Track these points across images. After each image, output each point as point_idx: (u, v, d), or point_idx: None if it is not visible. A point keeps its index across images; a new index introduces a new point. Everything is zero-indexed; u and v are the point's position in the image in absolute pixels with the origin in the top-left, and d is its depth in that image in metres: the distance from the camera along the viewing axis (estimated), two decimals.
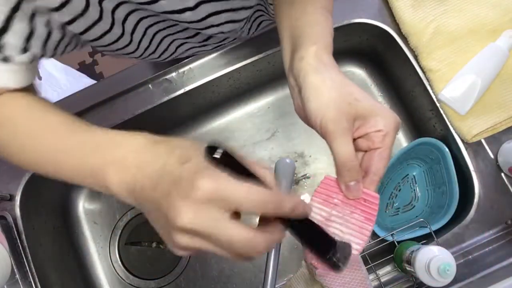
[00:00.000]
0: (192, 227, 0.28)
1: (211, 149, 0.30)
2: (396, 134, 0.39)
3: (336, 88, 0.38)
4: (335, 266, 0.35)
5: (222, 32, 0.56)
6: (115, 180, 0.33)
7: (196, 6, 0.47)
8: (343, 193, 0.39)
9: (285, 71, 0.45)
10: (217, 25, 0.53)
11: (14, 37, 0.38)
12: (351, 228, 0.38)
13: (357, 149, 0.39)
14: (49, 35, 0.42)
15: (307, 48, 0.41)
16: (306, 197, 0.38)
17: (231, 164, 0.30)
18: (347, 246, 0.36)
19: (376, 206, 0.38)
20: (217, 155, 0.29)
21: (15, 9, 0.37)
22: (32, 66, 0.43)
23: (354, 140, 0.39)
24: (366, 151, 0.39)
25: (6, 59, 0.39)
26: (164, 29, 0.56)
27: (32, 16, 0.39)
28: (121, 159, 0.33)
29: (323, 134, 0.38)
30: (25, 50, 0.40)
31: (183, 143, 0.32)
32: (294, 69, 0.42)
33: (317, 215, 0.39)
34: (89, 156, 0.35)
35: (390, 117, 0.38)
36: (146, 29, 0.54)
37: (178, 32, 0.57)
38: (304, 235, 0.34)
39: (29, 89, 0.45)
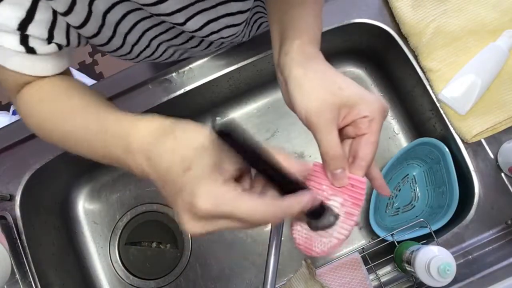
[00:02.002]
0: (196, 233, 0.31)
1: (222, 133, 0.28)
2: (383, 119, 0.38)
3: (319, 79, 0.38)
4: (319, 228, 0.37)
5: (222, 37, 0.56)
6: (135, 168, 0.34)
7: (193, 16, 0.48)
8: (330, 181, 0.39)
9: (275, 65, 0.45)
10: (217, 31, 0.54)
11: (38, 28, 0.39)
12: (339, 215, 0.38)
13: (345, 136, 0.40)
14: (68, 24, 0.43)
15: (291, 43, 0.41)
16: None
17: (243, 149, 0.29)
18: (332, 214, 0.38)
19: (363, 191, 0.38)
20: (227, 138, 0.28)
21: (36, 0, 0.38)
22: (62, 54, 0.44)
23: (342, 128, 0.39)
24: (354, 138, 0.39)
25: (31, 50, 0.40)
26: (160, 34, 0.56)
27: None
28: (134, 151, 0.34)
29: (308, 126, 0.38)
30: (49, 40, 0.41)
31: (188, 139, 0.32)
32: (280, 64, 0.42)
33: None
34: (110, 145, 0.37)
35: (375, 102, 0.38)
36: (143, 32, 0.54)
37: (175, 37, 0.58)
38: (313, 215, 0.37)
39: (67, 73, 0.47)
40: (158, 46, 0.59)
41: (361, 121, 0.38)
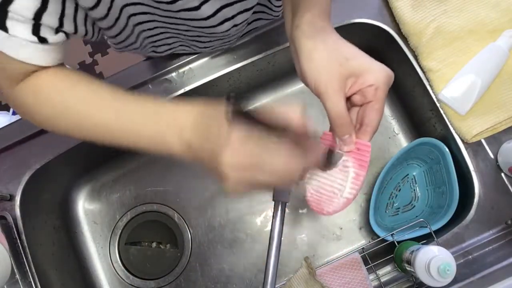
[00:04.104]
0: (236, 160, 0.35)
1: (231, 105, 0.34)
2: (388, 87, 0.41)
3: (327, 51, 0.41)
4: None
5: (235, 25, 0.57)
6: (176, 141, 0.39)
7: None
8: (339, 146, 0.43)
9: (288, 37, 0.48)
10: (231, 18, 0.54)
11: (50, 17, 0.40)
12: (347, 176, 0.42)
13: (353, 104, 0.43)
14: (76, 10, 0.44)
15: (302, 16, 0.44)
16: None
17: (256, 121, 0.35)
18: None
19: (368, 154, 0.41)
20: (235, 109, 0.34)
21: None
22: (63, 45, 0.45)
23: (350, 97, 0.42)
24: (361, 106, 0.42)
25: (43, 40, 0.41)
26: (168, 28, 0.57)
27: None
28: (181, 124, 0.38)
29: (317, 95, 0.41)
30: (58, 30, 0.42)
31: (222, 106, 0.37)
32: (292, 37, 0.45)
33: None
34: (150, 123, 0.40)
35: (380, 71, 0.40)
36: (150, 28, 0.55)
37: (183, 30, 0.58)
38: None
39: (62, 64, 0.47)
40: (161, 34, 0.60)
41: (366, 89, 0.40)
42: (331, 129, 0.42)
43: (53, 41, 0.42)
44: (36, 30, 0.40)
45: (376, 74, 0.40)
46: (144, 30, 0.58)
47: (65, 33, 0.43)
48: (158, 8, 0.49)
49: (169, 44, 0.65)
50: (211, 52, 0.74)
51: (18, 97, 0.46)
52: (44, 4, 0.38)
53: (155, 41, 0.63)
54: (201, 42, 0.65)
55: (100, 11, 0.46)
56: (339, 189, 0.42)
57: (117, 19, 0.50)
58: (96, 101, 0.43)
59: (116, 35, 0.55)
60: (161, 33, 0.59)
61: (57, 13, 0.41)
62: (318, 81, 0.40)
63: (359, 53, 0.41)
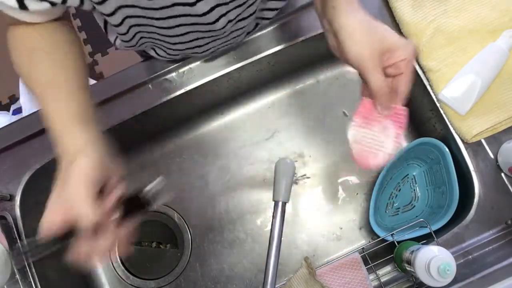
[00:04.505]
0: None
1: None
2: (414, 59, 0.47)
3: (366, 29, 0.46)
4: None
5: (230, 21, 0.57)
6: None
7: None
8: (379, 111, 0.49)
9: (317, 14, 0.53)
10: (225, 13, 0.55)
11: None
12: (388, 136, 0.50)
13: (387, 76, 0.48)
14: None
15: None
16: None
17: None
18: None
19: (404, 117, 0.49)
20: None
21: None
22: (55, 10, 0.48)
23: (385, 68, 0.47)
24: (394, 76, 0.48)
25: (24, 7, 0.44)
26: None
27: None
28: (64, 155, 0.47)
29: (360, 70, 0.47)
30: None
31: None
32: (327, 15, 0.49)
33: (360, 129, 0.51)
34: (58, 127, 0.47)
35: (409, 47, 0.46)
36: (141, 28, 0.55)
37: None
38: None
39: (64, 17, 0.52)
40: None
41: (400, 63, 0.46)
42: (374, 98, 0.49)
43: (34, 9, 0.44)
44: None
45: (407, 49, 0.46)
46: (142, 36, 0.58)
47: (50, 2, 0.45)
48: (153, 9, 0.49)
49: (168, 48, 0.65)
50: (211, 52, 0.74)
51: (7, 42, 0.51)
52: None
53: (153, 45, 0.63)
54: (199, 46, 0.64)
55: None
56: (382, 146, 0.50)
57: (113, 14, 0.50)
58: (46, 75, 0.47)
59: (115, 26, 0.55)
60: (156, 39, 0.59)
61: None
62: (361, 57, 0.45)
63: (390, 31, 0.47)
